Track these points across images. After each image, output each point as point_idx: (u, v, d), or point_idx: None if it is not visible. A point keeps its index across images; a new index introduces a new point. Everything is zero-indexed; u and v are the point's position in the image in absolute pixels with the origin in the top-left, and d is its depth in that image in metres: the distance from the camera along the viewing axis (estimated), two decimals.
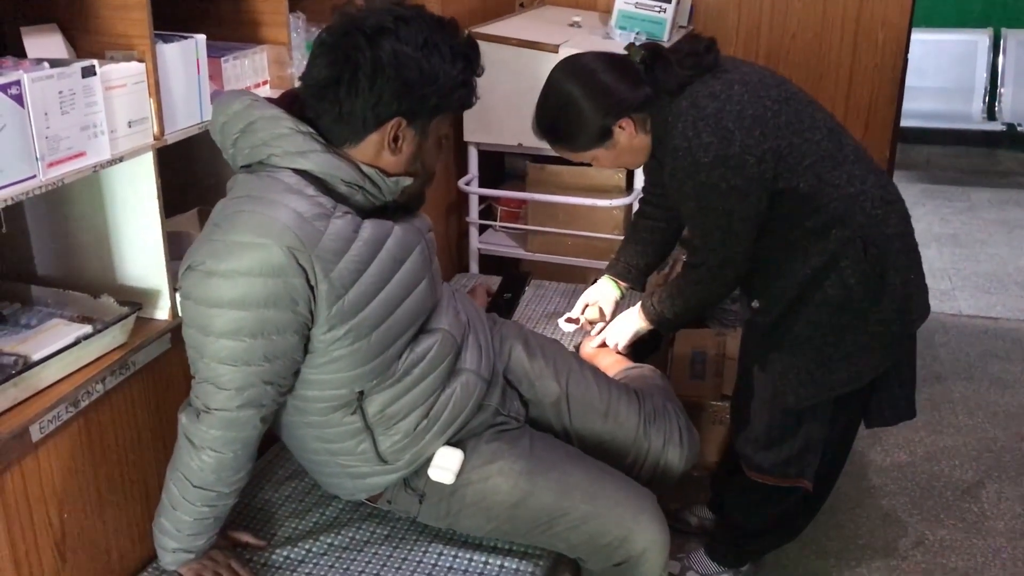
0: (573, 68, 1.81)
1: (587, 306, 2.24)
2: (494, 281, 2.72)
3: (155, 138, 1.55)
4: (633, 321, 2.09)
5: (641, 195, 2.21)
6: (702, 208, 1.79)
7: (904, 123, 3.45)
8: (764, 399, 1.98)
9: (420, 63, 1.41)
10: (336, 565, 1.65)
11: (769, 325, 1.91)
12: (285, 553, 1.67)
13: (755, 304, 1.93)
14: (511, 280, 2.68)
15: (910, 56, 3.21)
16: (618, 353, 2.14)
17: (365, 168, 1.46)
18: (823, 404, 1.93)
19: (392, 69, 1.40)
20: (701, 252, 1.88)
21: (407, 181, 1.50)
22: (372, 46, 1.40)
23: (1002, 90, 5.81)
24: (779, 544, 2.30)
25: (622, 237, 2.76)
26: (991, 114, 5.84)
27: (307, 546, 1.69)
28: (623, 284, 2.22)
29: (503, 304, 2.49)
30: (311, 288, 1.40)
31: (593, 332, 2.22)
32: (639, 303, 2.08)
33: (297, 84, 1.64)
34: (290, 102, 1.49)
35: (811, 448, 2.00)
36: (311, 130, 1.44)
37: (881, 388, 1.99)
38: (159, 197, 1.58)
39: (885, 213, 1.81)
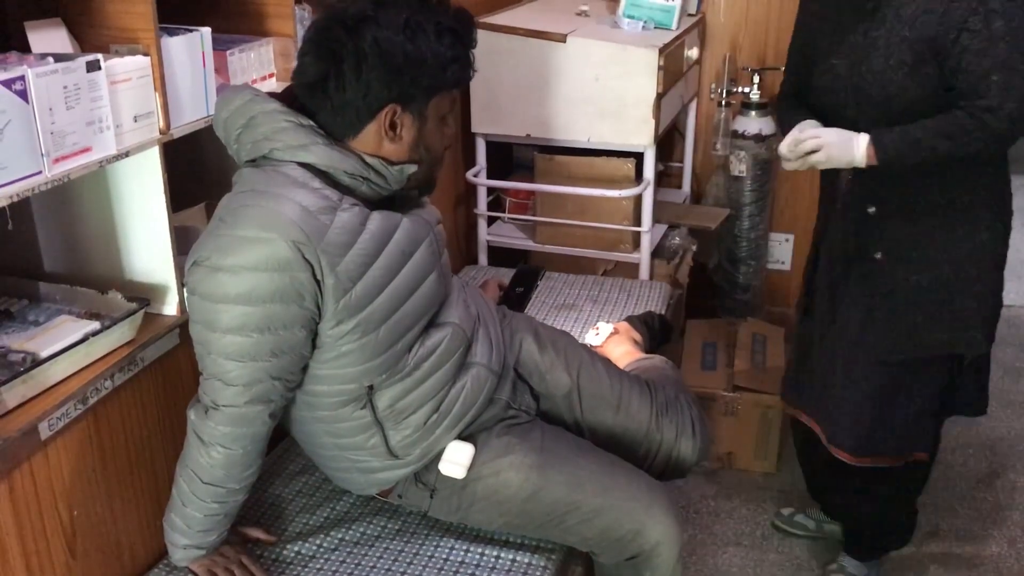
0: None
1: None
2: (506, 274, 2.71)
3: (161, 132, 1.54)
4: (852, 151, 1.81)
5: (783, 93, 2.09)
6: (1014, 36, 1.68)
7: None
8: (867, 366, 1.95)
9: (404, 46, 1.40)
10: (347, 560, 1.64)
11: (884, 278, 1.89)
12: (296, 548, 1.66)
13: (877, 256, 1.90)
14: (523, 274, 2.67)
15: None
16: (634, 342, 2.13)
17: (368, 159, 1.45)
18: (921, 368, 1.93)
19: (375, 57, 1.39)
20: (996, 95, 1.70)
21: (412, 168, 1.49)
22: (353, 36, 1.39)
23: None
24: (910, 529, 2.26)
25: (632, 228, 2.76)
26: None
27: (318, 541, 1.68)
28: None
29: (515, 298, 2.48)
30: (317, 282, 1.39)
31: (595, 340, 2.19)
32: (864, 137, 1.79)
33: None
34: (293, 96, 1.49)
35: (922, 417, 1.98)
36: (312, 123, 1.44)
37: (965, 373, 1.98)
38: (166, 192, 1.57)
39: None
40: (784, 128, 1.98)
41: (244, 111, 1.44)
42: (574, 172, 2.78)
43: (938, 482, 2.66)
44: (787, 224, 3.43)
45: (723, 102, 3.17)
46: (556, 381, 1.82)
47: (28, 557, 1.41)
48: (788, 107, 2.03)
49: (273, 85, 1.82)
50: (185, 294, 1.47)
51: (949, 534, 2.45)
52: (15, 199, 1.27)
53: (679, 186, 3.43)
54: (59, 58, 1.34)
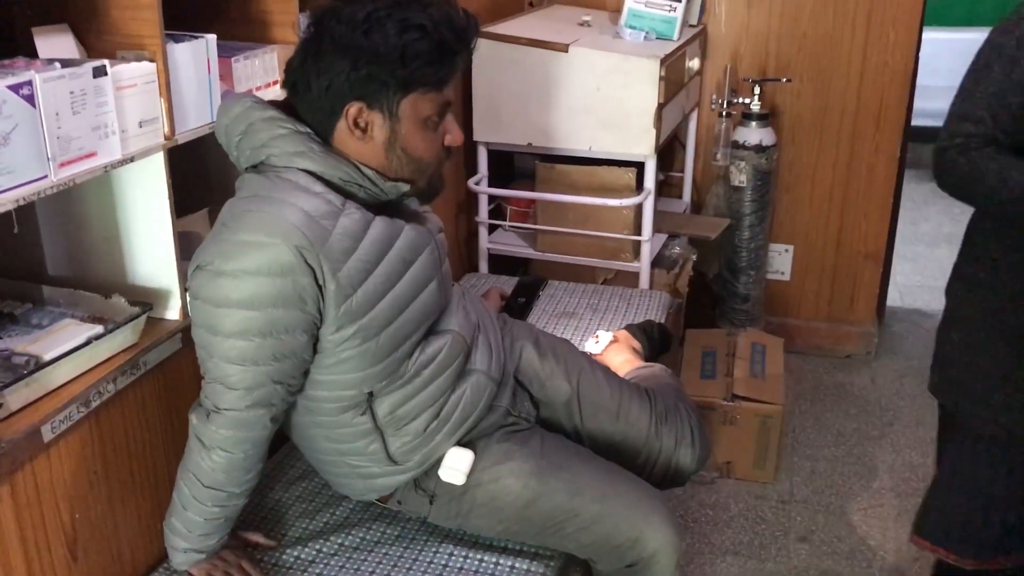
0: None
1: None
2: (506, 283, 2.72)
3: (166, 138, 1.55)
4: None
5: (973, 136, 1.59)
6: None
7: (915, 122, 3.42)
8: None
9: (359, 41, 1.38)
10: (347, 566, 1.64)
11: None
12: (296, 553, 1.67)
13: None
14: (525, 285, 2.68)
15: (921, 55, 3.19)
16: (634, 350, 2.14)
17: (365, 169, 1.46)
18: None
19: (330, 52, 1.40)
20: None
21: (405, 187, 1.50)
22: (316, 32, 1.41)
23: None
24: None
25: (632, 237, 2.77)
26: None
27: (317, 546, 1.68)
28: None
29: (516, 308, 2.49)
30: (319, 287, 1.40)
31: (594, 348, 2.19)
32: None
33: None
34: (293, 103, 1.50)
35: None
36: (309, 130, 1.45)
37: None
38: (170, 197, 1.58)
39: None
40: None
41: (243, 118, 1.45)
42: (575, 181, 2.79)
43: None
44: (787, 235, 3.45)
45: (724, 112, 3.19)
46: (556, 389, 1.82)
47: (29, 559, 1.42)
48: (1006, 157, 1.55)
49: (277, 92, 1.83)
50: (188, 298, 1.48)
51: None
52: (21, 203, 1.28)
53: (679, 196, 3.45)
54: (66, 64, 1.35)
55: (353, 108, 1.43)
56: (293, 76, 1.45)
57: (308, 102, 1.45)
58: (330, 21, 1.40)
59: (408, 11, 1.39)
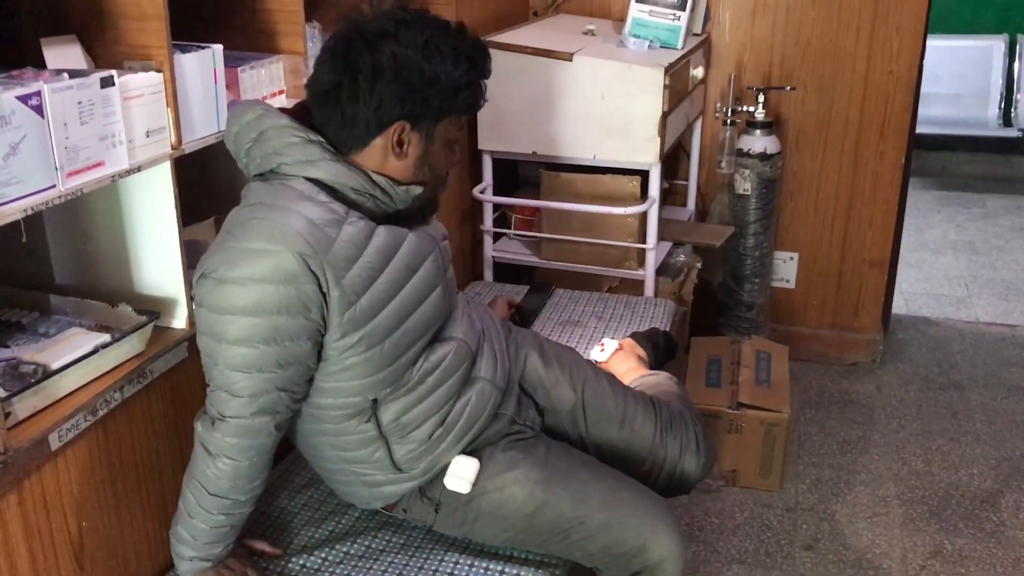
0: None
1: None
2: (511, 290, 2.72)
3: (172, 148, 1.56)
4: None
5: None
6: None
7: (919, 129, 3.42)
8: None
9: (421, 65, 1.43)
10: (352, 574, 1.64)
11: None
12: (301, 562, 1.67)
13: None
14: (533, 293, 2.68)
15: (925, 62, 3.19)
16: (639, 358, 2.14)
17: (375, 177, 1.47)
18: None
19: (392, 72, 1.42)
20: None
21: (418, 190, 1.51)
22: (372, 50, 1.42)
23: (1018, 96, 5.78)
24: None
25: (637, 245, 2.78)
26: (1007, 120, 5.80)
27: (323, 555, 1.69)
28: None
29: (527, 314, 2.49)
30: (323, 294, 1.40)
31: (599, 356, 2.19)
32: None
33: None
34: (303, 112, 1.51)
35: None
36: (321, 139, 1.46)
37: None
38: (176, 206, 1.59)
39: None
40: None
41: (255, 125, 1.46)
42: (580, 189, 2.79)
43: (942, 501, 2.66)
44: (791, 243, 3.45)
45: (728, 120, 3.19)
46: (561, 396, 1.83)
47: (36, 567, 1.42)
48: None
49: (283, 102, 1.84)
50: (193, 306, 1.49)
51: (953, 554, 2.45)
52: (29, 213, 1.29)
53: (684, 204, 3.45)
54: (74, 74, 1.37)
55: (399, 127, 1.46)
56: (331, 86, 1.45)
57: (350, 114, 1.45)
58: (389, 42, 1.42)
59: (456, 40, 1.47)
